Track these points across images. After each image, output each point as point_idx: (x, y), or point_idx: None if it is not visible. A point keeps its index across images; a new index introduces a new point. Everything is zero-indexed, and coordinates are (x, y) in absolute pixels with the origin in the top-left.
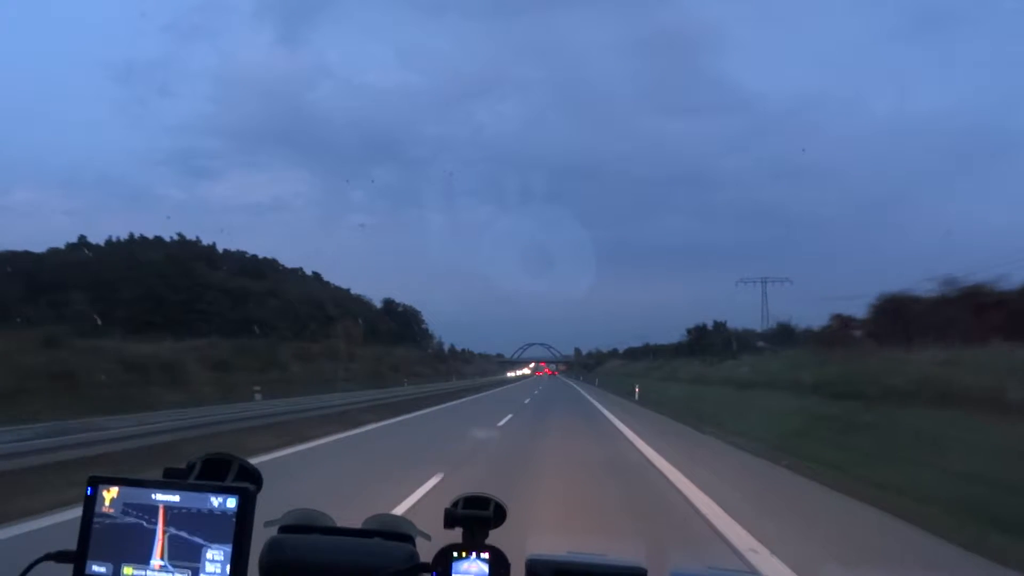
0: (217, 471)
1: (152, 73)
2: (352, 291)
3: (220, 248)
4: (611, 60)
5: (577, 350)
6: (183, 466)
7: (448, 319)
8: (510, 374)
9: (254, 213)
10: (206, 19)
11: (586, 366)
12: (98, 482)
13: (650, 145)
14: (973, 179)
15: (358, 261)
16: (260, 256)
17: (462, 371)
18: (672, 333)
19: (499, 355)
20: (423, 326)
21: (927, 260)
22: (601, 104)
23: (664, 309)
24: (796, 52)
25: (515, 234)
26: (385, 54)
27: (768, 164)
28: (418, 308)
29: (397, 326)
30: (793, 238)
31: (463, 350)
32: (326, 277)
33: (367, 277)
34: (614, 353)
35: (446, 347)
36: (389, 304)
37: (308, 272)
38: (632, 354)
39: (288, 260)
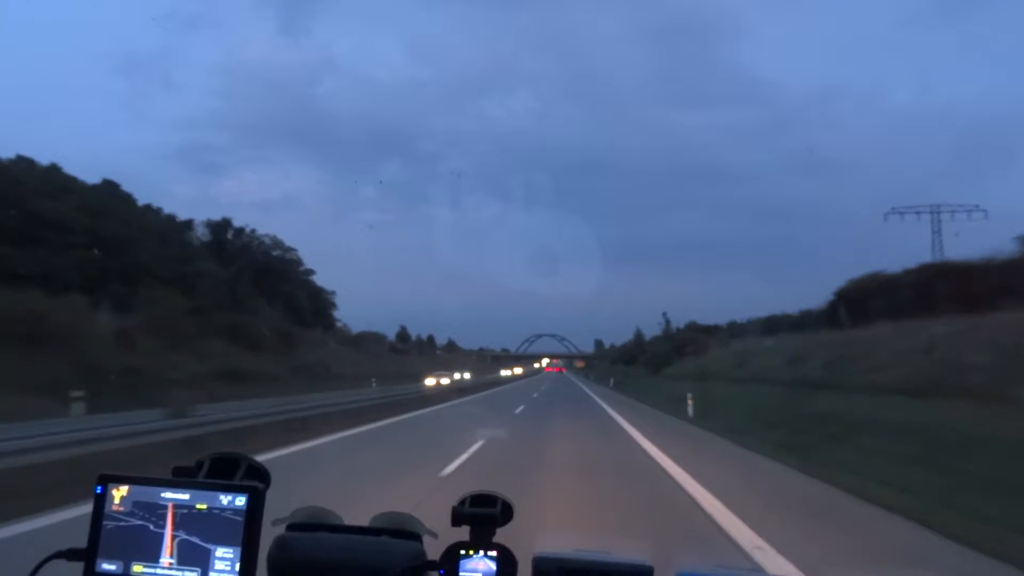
0: (225, 470)
1: (157, 67)
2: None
3: None
4: (623, 51)
5: (599, 342)
6: (191, 464)
7: (459, 316)
8: (458, 377)
9: (263, 208)
10: (207, 8)
11: (628, 361)
12: (108, 480)
13: (664, 139)
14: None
15: (364, 259)
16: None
17: (333, 373)
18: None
19: (504, 350)
20: (315, 287)
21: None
22: (614, 96)
23: (691, 302)
24: (813, 40)
25: (526, 228)
26: (392, 46)
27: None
28: (295, 247)
29: (225, 273)
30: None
31: (427, 339)
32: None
33: (371, 276)
34: (706, 328)
35: (377, 334)
36: (220, 231)
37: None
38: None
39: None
